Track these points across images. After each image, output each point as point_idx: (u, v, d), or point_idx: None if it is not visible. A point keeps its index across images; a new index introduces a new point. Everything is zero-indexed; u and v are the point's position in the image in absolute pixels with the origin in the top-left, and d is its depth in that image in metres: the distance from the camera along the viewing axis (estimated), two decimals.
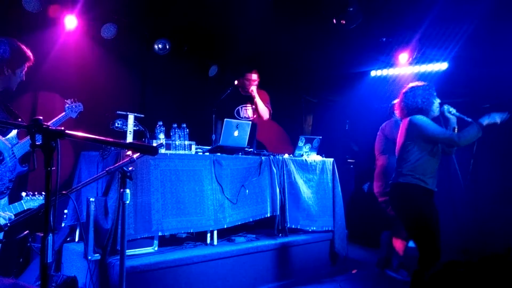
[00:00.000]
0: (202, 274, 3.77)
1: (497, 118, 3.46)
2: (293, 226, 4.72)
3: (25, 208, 2.96)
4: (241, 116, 5.39)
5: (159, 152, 3.75)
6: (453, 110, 3.72)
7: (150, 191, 3.65)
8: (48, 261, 1.60)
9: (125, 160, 2.52)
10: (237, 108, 5.41)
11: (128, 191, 2.55)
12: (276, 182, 4.63)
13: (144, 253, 3.67)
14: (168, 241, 4.05)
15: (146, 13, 5.76)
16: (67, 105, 3.61)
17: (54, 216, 1.62)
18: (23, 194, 3.01)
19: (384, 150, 4.93)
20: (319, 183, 5.07)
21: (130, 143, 3.58)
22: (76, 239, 4.01)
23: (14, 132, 3.16)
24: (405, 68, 6.94)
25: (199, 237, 4.20)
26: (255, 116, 5.42)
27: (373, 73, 7.48)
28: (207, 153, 4.30)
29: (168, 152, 3.95)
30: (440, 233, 3.52)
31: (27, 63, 3.17)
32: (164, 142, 3.95)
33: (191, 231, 4.00)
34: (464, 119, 3.69)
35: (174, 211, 3.79)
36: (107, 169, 2.46)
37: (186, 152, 4.13)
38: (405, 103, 3.71)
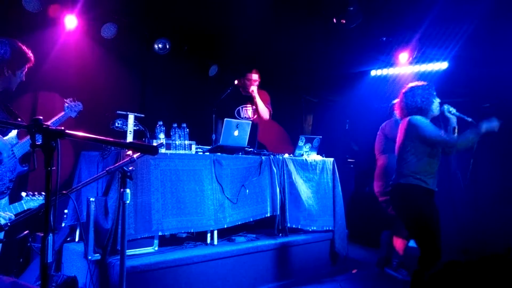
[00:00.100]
0: (202, 274, 3.77)
1: (495, 125, 3.42)
2: (293, 226, 4.72)
3: (25, 208, 2.96)
4: (242, 116, 5.38)
5: (159, 152, 3.76)
6: (453, 110, 3.71)
7: (150, 191, 3.65)
8: (48, 261, 1.60)
9: (125, 160, 2.52)
10: (237, 108, 5.40)
11: (128, 191, 2.55)
12: (276, 181, 4.63)
13: (144, 253, 3.67)
14: (168, 241, 4.05)
15: (146, 12, 5.76)
16: (67, 104, 3.60)
17: (54, 216, 1.62)
18: (23, 194, 3.00)
19: (384, 150, 4.93)
20: (319, 183, 5.07)
21: (130, 142, 3.58)
22: (76, 239, 4.01)
23: (14, 132, 3.15)
24: (405, 67, 6.94)
25: (199, 237, 4.20)
26: (255, 116, 5.41)
27: (373, 72, 7.48)
28: (207, 153, 4.30)
29: (168, 152, 3.95)
30: (440, 233, 3.52)
31: (27, 64, 3.16)
32: (164, 142, 3.95)
33: (192, 231, 4.00)
34: (464, 118, 3.69)
35: (175, 211, 3.79)
36: (107, 169, 2.46)
37: (186, 152, 4.12)
38: (405, 103, 3.71)
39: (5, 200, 3.07)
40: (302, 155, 5.08)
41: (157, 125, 4.03)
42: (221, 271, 3.92)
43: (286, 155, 4.88)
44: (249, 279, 4.14)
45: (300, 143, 5.04)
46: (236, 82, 5.53)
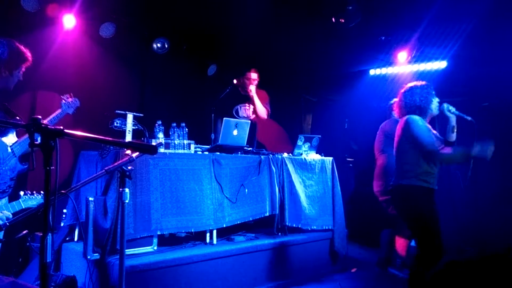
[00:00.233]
0: (201, 274, 3.76)
1: (489, 151, 3.39)
2: (292, 225, 4.72)
3: (23, 207, 2.96)
4: (240, 115, 5.39)
5: (158, 151, 3.76)
6: (453, 109, 3.70)
7: (149, 191, 3.65)
8: (48, 260, 1.60)
9: (124, 160, 2.52)
10: (236, 107, 5.40)
11: (127, 190, 2.55)
12: (276, 181, 4.63)
13: (144, 253, 3.66)
14: (168, 241, 4.04)
15: (145, 12, 5.75)
16: (63, 101, 3.59)
17: (53, 215, 1.62)
18: (21, 193, 3.00)
19: (384, 149, 4.92)
20: (319, 182, 5.07)
21: (129, 142, 3.57)
22: (75, 239, 4.00)
23: (13, 131, 3.15)
24: (404, 66, 6.94)
25: (198, 237, 4.20)
26: (254, 115, 5.41)
27: (372, 72, 7.48)
28: (206, 152, 4.29)
29: (167, 151, 3.94)
30: (440, 232, 3.51)
31: (25, 64, 3.15)
32: (163, 141, 3.94)
33: (191, 230, 4.00)
34: (463, 117, 3.68)
35: (174, 210, 3.78)
36: (106, 168, 2.45)
37: (185, 151, 4.12)
38: (404, 102, 3.70)
39: (5, 200, 3.07)
40: (301, 154, 5.07)
41: (156, 125, 4.03)
42: (220, 270, 3.91)
43: (285, 155, 4.88)
44: (248, 278, 4.14)
45: (299, 143, 5.04)
46: (235, 81, 5.53)
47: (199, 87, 6.84)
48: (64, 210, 4.07)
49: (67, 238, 4.01)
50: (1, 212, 2.66)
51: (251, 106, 5.39)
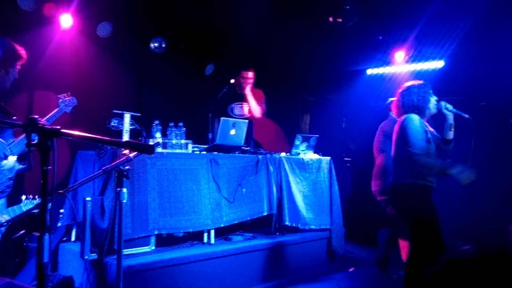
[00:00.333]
0: (199, 273, 3.76)
1: (466, 177, 3.39)
2: (290, 225, 4.72)
3: (24, 211, 2.95)
4: (235, 113, 5.40)
5: (156, 151, 3.75)
6: (450, 107, 3.70)
7: (147, 190, 3.64)
8: (45, 260, 1.59)
9: (121, 159, 2.51)
10: (231, 106, 5.41)
11: (125, 190, 2.54)
12: (273, 180, 4.63)
13: (141, 253, 3.65)
14: (165, 240, 4.03)
15: (142, 11, 5.74)
16: (61, 100, 3.58)
17: (51, 215, 1.61)
18: (23, 197, 2.99)
19: (383, 149, 4.92)
20: (316, 182, 5.07)
21: (126, 141, 3.53)
22: (73, 239, 3.99)
23: (9, 131, 3.14)
24: (401, 66, 6.94)
25: (196, 236, 4.19)
26: (249, 114, 5.42)
27: (369, 71, 7.48)
28: (204, 152, 4.29)
29: (164, 151, 3.94)
30: (441, 230, 3.52)
31: (19, 62, 3.15)
32: (160, 141, 3.94)
33: (189, 230, 3.99)
34: (461, 115, 3.69)
35: (172, 210, 3.78)
36: (103, 168, 2.45)
37: (183, 151, 4.11)
38: (401, 102, 3.71)
39: (3, 200, 3.06)
40: (299, 154, 5.07)
41: (154, 124, 4.02)
42: (218, 270, 3.91)
43: (283, 154, 4.88)
44: (246, 278, 4.14)
45: (297, 142, 5.04)
46: (232, 81, 5.54)
47: (197, 87, 6.83)
48: (61, 210, 4.06)
49: (64, 238, 4.00)
50: (1, 216, 2.65)
51: (246, 105, 5.40)
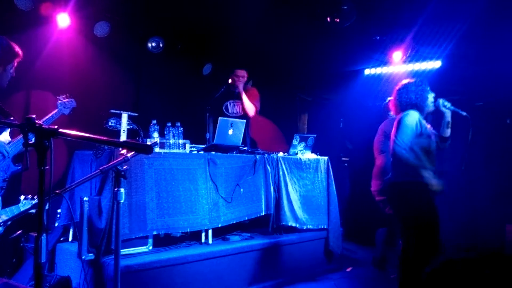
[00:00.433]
0: (197, 273, 3.76)
1: (434, 184, 3.39)
2: (288, 225, 4.71)
3: (21, 211, 2.94)
4: (230, 111, 5.43)
5: (153, 151, 3.74)
6: (448, 104, 3.69)
7: (144, 190, 3.63)
8: (42, 261, 1.59)
9: (119, 159, 2.51)
10: (225, 104, 5.43)
11: (122, 190, 2.53)
12: (271, 180, 4.63)
13: (138, 253, 3.65)
14: (163, 240, 4.03)
15: (140, 11, 5.73)
16: (60, 101, 3.57)
17: (48, 215, 1.61)
18: (22, 197, 2.98)
19: (383, 149, 4.92)
20: (314, 182, 5.07)
21: (124, 141, 3.56)
22: (70, 239, 3.98)
23: (6, 131, 3.13)
24: (399, 66, 6.95)
25: (193, 236, 4.19)
26: (243, 112, 5.45)
27: (367, 71, 7.49)
28: (202, 152, 4.28)
29: (162, 151, 3.93)
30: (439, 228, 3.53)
31: (16, 59, 3.15)
32: (158, 141, 3.93)
33: (186, 230, 3.98)
34: (458, 113, 3.69)
35: (170, 210, 3.77)
36: (101, 168, 2.44)
37: (181, 151, 4.11)
38: (399, 101, 3.70)
39: None
40: (297, 154, 5.08)
41: (151, 124, 4.01)
42: (215, 270, 3.91)
43: (281, 154, 4.89)
44: (243, 277, 4.14)
45: (295, 142, 5.04)
46: (230, 81, 5.55)
47: (194, 87, 6.83)
48: (59, 210, 4.05)
49: (62, 239, 3.99)
50: None
51: (240, 103, 5.42)
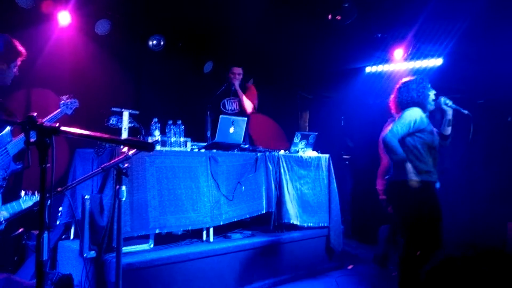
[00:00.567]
0: (198, 271, 3.76)
1: (413, 179, 3.42)
2: (289, 222, 4.72)
3: (23, 208, 2.95)
4: (227, 108, 5.46)
5: (155, 149, 3.74)
6: (450, 102, 3.68)
7: (146, 188, 3.63)
8: (44, 258, 1.59)
9: (120, 157, 2.50)
10: (223, 101, 5.47)
11: (124, 188, 2.53)
12: (272, 178, 4.63)
13: (140, 250, 3.66)
14: (164, 238, 4.04)
15: (140, 9, 5.72)
16: (62, 101, 3.58)
17: (49, 213, 1.61)
18: (22, 193, 2.99)
19: None
20: (315, 179, 5.07)
21: (126, 139, 3.52)
22: (72, 237, 3.99)
23: (7, 129, 3.13)
24: (400, 64, 6.93)
25: (195, 234, 4.19)
26: (239, 110, 5.47)
27: (368, 69, 7.47)
28: (203, 150, 4.28)
29: (163, 149, 3.93)
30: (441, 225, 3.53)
31: (20, 58, 3.15)
32: (159, 139, 3.93)
33: (188, 228, 3.99)
34: (460, 111, 3.68)
35: (172, 208, 3.77)
36: (102, 166, 2.44)
37: (182, 149, 4.11)
38: (400, 99, 3.69)
39: None
40: (298, 151, 5.08)
41: (152, 122, 4.01)
42: (217, 267, 3.91)
43: (282, 152, 4.89)
44: (245, 275, 4.14)
45: (296, 140, 5.04)
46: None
47: (195, 84, 6.82)
48: (60, 208, 4.05)
49: (63, 236, 4.00)
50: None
51: (237, 100, 5.45)
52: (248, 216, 4.45)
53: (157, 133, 3.99)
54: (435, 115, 3.80)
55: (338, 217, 5.18)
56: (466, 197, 6.17)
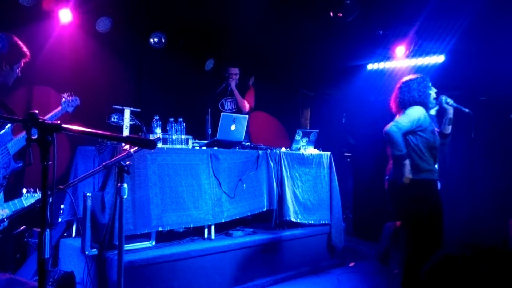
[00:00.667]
0: (199, 268, 3.77)
1: (406, 175, 3.43)
2: (290, 220, 4.72)
3: (25, 205, 2.94)
4: (225, 108, 5.51)
5: (157, 146, 3.74)
6: (451, 101, 3.68)
7: (148, 186, 3.63)
8: (46, 256, 1.59)
9: (122, 154, 2.50)
10: (221, 101, 5.50)
11: (125, 185, 2.53)
12: (273, 175, 4.63)
13: (142, 248, 3.66)
14: (166, 236, 4.04)
15: (142, 6, 5.71)
16: (64, 99, 3.57)
17: (51, 211, 1.61)
18: (24, 190, 2.98)
19: None
20: (316, 177, 5.07)
21: (128, 136, 3.55)
22: (73, 234, 3.99)
23: (8, 127, 3.13)
24: (402, 61, 6.92)
25: (196, 232, 4.20)
26: (237, 109, 5.56)
27: (369, 66, 7.45)
28: (204, 147, 4.28)
29: (165, 146, 3.93)
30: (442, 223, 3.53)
31: (24, 59, 3.14)
32: (161, 137, 3.93)
33: (190, 226, 3.99)
34: (461, 109, 3.67)
35: (174, 206, 3.77)
36: (104, 163, 2.44)
37: (183, 146, 4.11)
38: (401, 99, 3.67)
39: (1, 195, 3.05)
40: (299, 149, 5.07)
41: (154, 120, 4.02)
42: (218, 265, 3.92)
43: (283, 149, 4.88)
44: (246, 273, 4.15)
45: (297, 137, 5.03)
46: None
47: (197, 82, 6.82)
48: (62, 206, 4.06)
49: (65, 234, 4.00)
50: (1, 210, 2.65)
51: (235, 100, 5.52)
52: (249, 214, 4.45)
53: (158, 130, 3.99)
54: (443, 115, 3.78)
55: (340, 214, 5.18)
56: (467, 195, 6.16)
